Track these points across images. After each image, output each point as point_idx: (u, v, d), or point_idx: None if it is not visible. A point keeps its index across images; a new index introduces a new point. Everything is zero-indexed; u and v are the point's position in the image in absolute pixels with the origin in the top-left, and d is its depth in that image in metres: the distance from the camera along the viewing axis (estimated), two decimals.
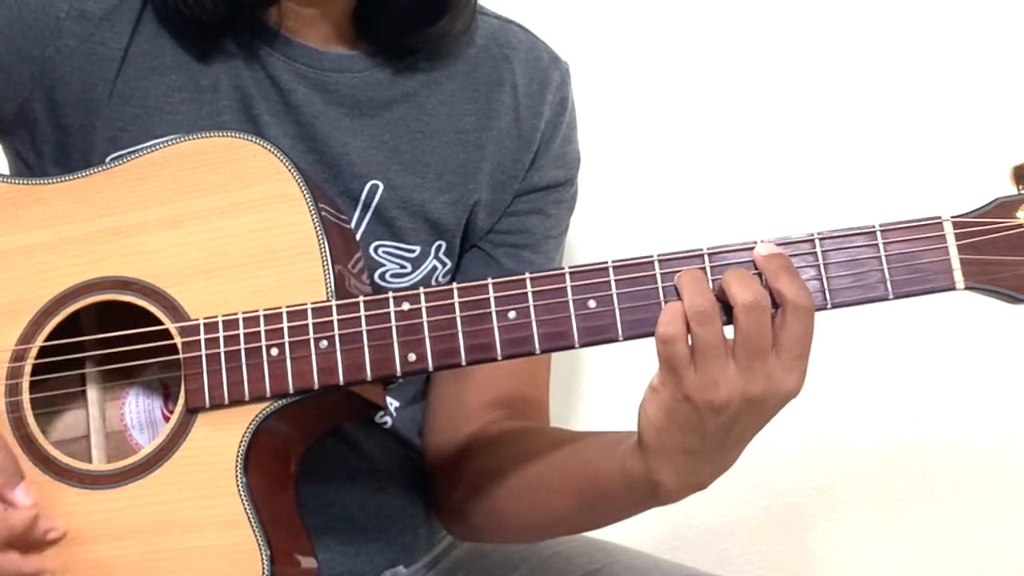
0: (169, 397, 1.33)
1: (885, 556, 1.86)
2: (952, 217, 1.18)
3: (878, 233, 1.18)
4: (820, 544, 1.87)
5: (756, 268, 1.18)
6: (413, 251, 1.43)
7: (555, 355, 1.39)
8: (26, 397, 1.28)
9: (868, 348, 1.82)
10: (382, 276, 1.42)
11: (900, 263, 1.17)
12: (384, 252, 1.42)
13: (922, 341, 1.83)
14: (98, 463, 1.29)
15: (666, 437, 1.19)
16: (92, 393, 1.34)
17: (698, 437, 1.18)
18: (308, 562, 1.30)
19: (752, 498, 1.83)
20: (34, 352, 1.28)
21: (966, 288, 1.17)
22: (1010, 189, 1.17)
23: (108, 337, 1.29)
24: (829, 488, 1.85)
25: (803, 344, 1.16)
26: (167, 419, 1.31)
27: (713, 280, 1.18)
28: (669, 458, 1.20)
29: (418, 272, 1.43)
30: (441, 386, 1.48)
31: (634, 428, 1.22)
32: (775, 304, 1.16)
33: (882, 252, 1.18)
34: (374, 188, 1.41)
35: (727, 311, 1.17)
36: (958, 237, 1.17)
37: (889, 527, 1.86)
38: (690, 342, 1.16)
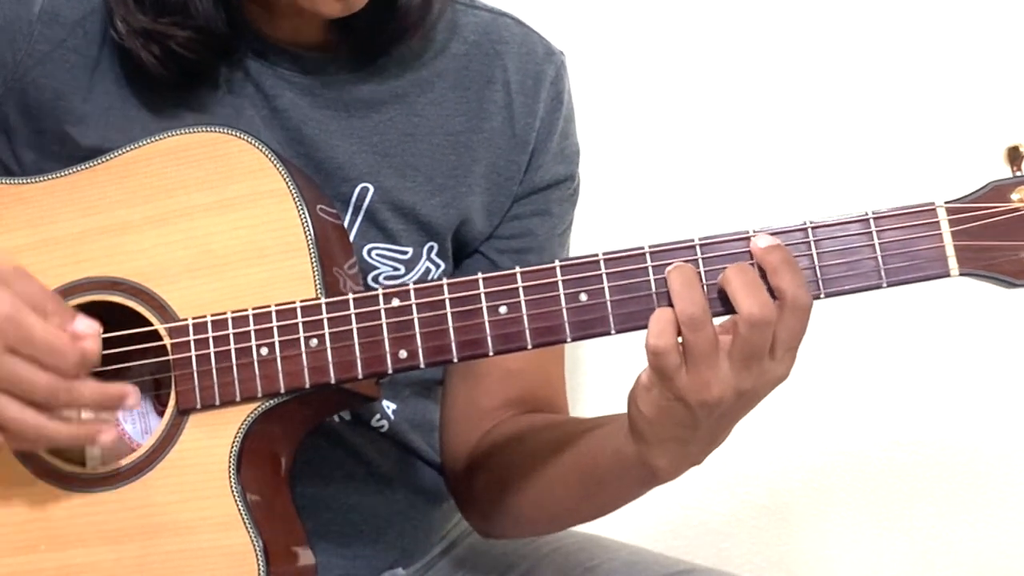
0: (160, 388, 1.33)
1: (885, 556, 1.85)
2: (946, 203, 1.17)
3: (871, 220, 1.17)
4: (820, 544, 1.86)
5: (752, 259, 1.16)
6: (406, 253, 1.42)
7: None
8: None
9: (868, 348, 1.82)
10: (376, 279, 1.41)
11: (894, 251, 1.17)
12: (377, 255, 1.41)
13: (922, 341, 1.82)
14: (91, 461, 1.28)
15: (659, 429, 1.19)
16: None
17: (691, 430, 1.19)
18: (306, 558, 1.29)
19: (752, 498, 1.82)
20: None
21: (960, 274, 1.17)
22: (1004, 171, 1.17)
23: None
24: (829, 488, 1.85)
25: (797, 338, 1.16)
26: (158, 410, 1.31)
27: (706, 271, 1.18)
28: (662, 446, 1.20)
29: (412, 274, 1.42)
30: (455, 390, 1.48)
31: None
32: (772, 296, 1.15)
33: (875, 240, 1.17)
34: (364, 191, 1.40)
35: (723, 301, 1.16)
36: (952, 223, 1.17)
37: (889, 527, 1.85)
38: (680, 342, 1.15)
